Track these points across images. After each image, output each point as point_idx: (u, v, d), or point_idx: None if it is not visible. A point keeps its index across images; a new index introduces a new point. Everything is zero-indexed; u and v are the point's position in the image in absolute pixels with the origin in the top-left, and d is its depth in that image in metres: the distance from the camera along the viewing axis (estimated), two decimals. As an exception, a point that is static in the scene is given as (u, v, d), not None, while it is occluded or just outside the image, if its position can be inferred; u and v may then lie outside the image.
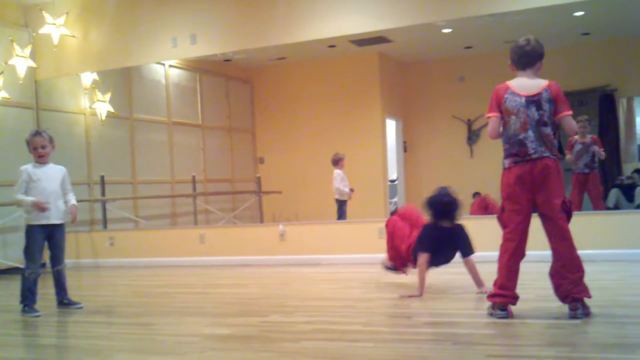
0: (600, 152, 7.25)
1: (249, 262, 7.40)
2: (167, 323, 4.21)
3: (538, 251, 4.03)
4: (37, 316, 4.69)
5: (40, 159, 4.86)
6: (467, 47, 9.20)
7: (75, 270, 7.73)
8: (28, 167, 4.82)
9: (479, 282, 4.65)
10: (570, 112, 3.73)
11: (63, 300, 4.97)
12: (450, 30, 7.59)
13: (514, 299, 3.72)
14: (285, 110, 10.31)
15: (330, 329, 3.73)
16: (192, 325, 4.13)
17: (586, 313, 3.58)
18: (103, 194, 8.46)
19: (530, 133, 3.66)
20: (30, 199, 4.73)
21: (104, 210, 8.54)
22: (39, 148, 4.83)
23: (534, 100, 3.68)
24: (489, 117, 3.80)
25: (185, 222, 9.36)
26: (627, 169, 8.77)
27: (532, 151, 3.65)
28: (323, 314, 4.23)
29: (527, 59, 3.76)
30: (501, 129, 3.79)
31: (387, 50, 9.48)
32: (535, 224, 3.75)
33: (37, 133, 4.88)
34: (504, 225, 3.77)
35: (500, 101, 3.75)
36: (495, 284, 3.75)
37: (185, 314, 4.52)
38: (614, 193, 8.21)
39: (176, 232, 8.44)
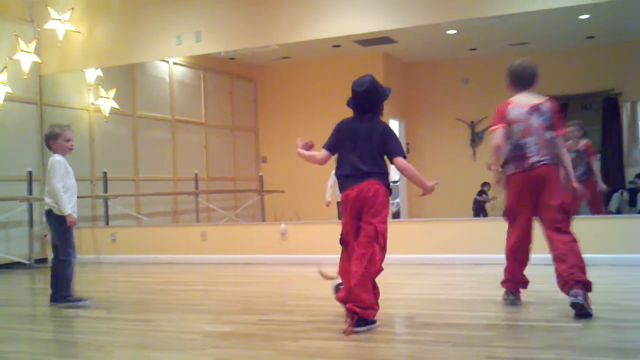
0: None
1: (251, 260, 7.41)
2: (168, 320, 4.22)
3: (539, 254, 4.07)
4: (87, 305, 4.68)
5: (70, 151, 4.82)
6: (471, 49, 9.21)
7: (77, 265, 7.71)
8: (62, 159, 4.74)
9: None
10: (564, 132, 4.03)
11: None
12: (455, 31, 7.59)
13: (524, 283, 4.11)
14: (289, 110, 10.31)
15: (331, 328, 3.73)
16: (193, 322, 4.14)
17: (588, 309, 3.59)
18: (105, 190, 8.47)
19: (531, 138, 3.91)
20: (68, 210, 4.71)
21: (106, 206, 8.54)
22: (71, 140, 4.81)
23: (535, 110, 3.94)
24: (492, 130, 3.99)
25: (187, 219, 9.37)
26: (630, 173, 8.75)
27: (532, 154, 3.89)
28: (323, 313, 4.23)
29: (528, 80, 4.05)
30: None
31: (392, 51, 9.48)
32: (537, 228, 3.80)
33: (68, 126, 4.86)
34: (509, 221, 4.09)
35: (504, 114, 3.98)
36: (505, 270, 4.13)
37: (186, 311, 4.53)
38: (617, 197, 8.20)
39: (178, 229, 8.45)
